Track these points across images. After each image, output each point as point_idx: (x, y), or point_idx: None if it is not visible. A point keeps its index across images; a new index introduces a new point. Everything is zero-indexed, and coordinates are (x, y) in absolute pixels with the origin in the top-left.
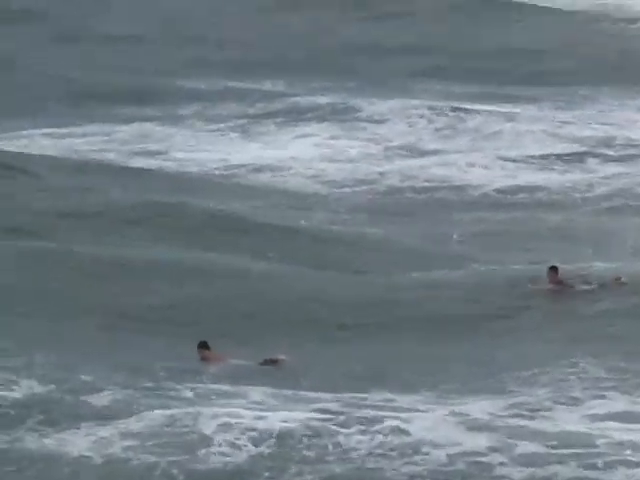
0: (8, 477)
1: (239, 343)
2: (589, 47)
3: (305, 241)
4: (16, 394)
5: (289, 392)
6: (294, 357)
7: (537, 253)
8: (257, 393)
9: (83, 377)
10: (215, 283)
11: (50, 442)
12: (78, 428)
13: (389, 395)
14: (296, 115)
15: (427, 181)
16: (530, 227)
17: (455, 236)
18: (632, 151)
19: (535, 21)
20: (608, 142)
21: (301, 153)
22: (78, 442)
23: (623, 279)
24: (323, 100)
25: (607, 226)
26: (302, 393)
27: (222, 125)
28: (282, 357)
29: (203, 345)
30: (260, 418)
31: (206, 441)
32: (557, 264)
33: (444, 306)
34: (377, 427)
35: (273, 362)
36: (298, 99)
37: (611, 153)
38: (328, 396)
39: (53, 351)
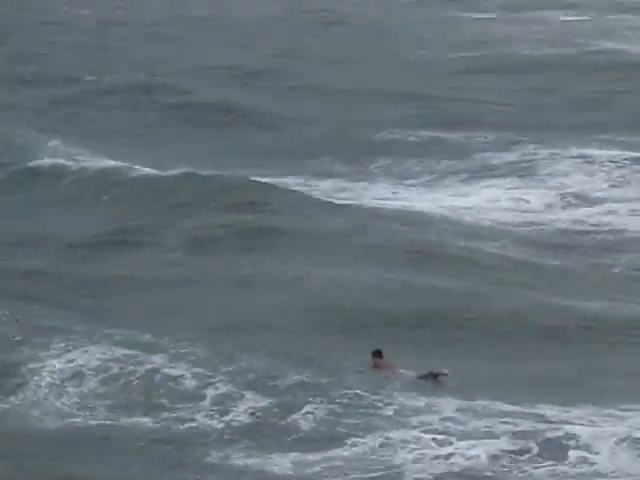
0: None
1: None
2: None
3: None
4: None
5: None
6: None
7: None
8: (449, 406)
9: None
10: (421, 300)
11: (256, 461)
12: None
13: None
14: (481, 171)
15: (593, 225)
16: None
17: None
18: None
19: None
20: None
21: (482, 201)
22: (281, 462)
23: None
24: (508, 157)
25: None
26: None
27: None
28: (445, 371)
29: (377, 353)
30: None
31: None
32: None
33: None
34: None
35: (434, 376)
36: (485, 154)
37: None
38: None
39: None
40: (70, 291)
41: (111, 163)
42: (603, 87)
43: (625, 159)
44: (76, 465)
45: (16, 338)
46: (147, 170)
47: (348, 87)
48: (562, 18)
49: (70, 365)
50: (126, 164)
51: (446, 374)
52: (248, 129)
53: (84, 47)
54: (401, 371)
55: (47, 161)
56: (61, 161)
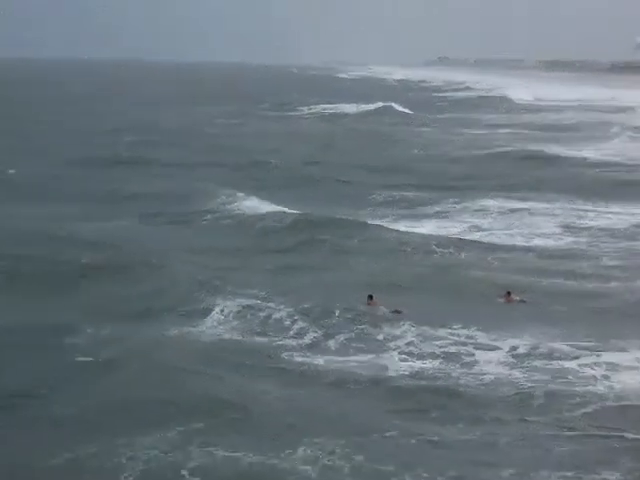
0: None
1: None
2: None
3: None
4: None
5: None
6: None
7: None
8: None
9: None
10: None
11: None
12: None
13: None
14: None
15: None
16: None
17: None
18: None
19: None
20: None
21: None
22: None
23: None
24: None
25: None
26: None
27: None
28: (401, 309)
29: (370, 297)
30: None
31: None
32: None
33: None
34: None
35: (398, 312)
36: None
37: None
38: None
39: None
40: None
41: None
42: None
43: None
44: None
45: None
46: None
47: None
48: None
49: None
50: None
51: (401, 311)
52: None
53: None
54: (381, 307)
55: None
56: None
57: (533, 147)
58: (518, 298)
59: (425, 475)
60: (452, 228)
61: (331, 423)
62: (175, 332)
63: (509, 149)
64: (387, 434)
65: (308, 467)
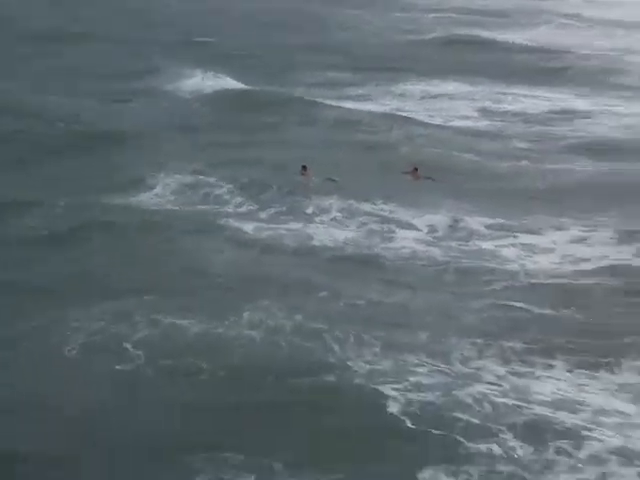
0: None
1: None
2: None
3: None
4: None
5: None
6: None
7: None
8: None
9: None
10: None
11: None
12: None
13: None
14: None
15: None
16: None
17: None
18: None
19: None
20: None
21: None
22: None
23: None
24: None
25: None
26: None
27: None
28: (336, 178)
29: (303, 167)
30: None
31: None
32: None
33: None
34: None
35: (333, 180)
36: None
37: None
38: None
39: None
40: None
41: None
42: None
43: None
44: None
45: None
46: None
47: None
48: None
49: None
50: None
51: (337, 180)
52: None
53: None
54: (313, 178)
55: None
56: None
57: (460, 31)
58: (424, 176)
59: (353, 332)
60: (375, 109)
61: (268, 285)
62: (121, 202)
63: (439, 34)
64: (320, 295)
65: (253, 332)
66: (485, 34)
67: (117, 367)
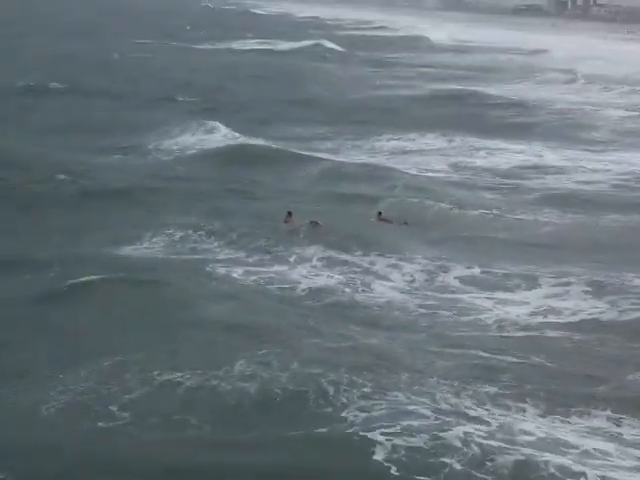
0: None
1: None
2: None
3: None
4: None
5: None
6: None
7: None
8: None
9: None
10: None
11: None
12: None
13: None
14: None
15: None
16: None
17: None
18: None
19: None
20: None
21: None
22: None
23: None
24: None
25: None
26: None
27: None
28: (319, 222)
29: (289, 213)
30: None
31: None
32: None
33: None
34: None
35: (316, 224)
36: None
37: None
38: None
39: None
40: None
41: None
42: None
43: None
44: None
45: None
46: None
47: None
48: None
49: None
50: None
51: (320, 224)
52: None
53: None
54: (297, 223)
55: None
56: None
57: (441, 86)
58: (389, 220)
59: (346, 374)
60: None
61: (260, 329)
62: (109, 256)
63: (440, 87)
64: (312, 340)
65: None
66: (467, 89)
67: (99, 424)
